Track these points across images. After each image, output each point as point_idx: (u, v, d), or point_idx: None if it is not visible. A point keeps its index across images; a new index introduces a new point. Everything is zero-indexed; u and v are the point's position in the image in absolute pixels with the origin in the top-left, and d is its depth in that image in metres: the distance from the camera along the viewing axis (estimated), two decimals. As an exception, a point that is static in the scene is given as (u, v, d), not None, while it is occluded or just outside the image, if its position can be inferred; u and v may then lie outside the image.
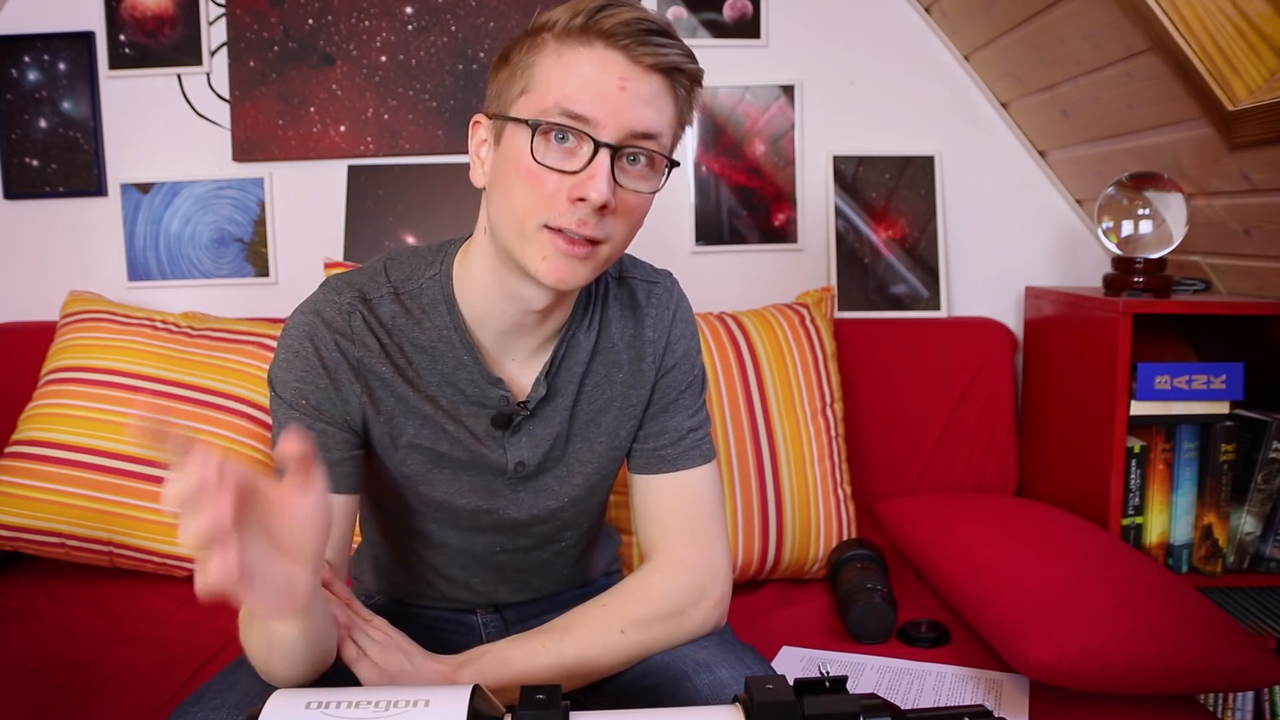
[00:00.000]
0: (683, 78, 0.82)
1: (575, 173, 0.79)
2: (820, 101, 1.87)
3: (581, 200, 0.79)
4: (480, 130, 0.87)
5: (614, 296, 0.99)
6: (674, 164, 0.85)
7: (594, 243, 0.81)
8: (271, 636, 0.73)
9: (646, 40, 0.78)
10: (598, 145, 0.78)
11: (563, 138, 0.79)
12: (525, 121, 0.79)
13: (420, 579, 1.04)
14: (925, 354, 1.80)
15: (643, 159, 0.81)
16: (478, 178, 0.88)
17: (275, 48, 1.80)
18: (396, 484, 0.95)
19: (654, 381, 0.99)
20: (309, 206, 1.84)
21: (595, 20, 0.78)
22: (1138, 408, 1.46)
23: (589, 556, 1.11)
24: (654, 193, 0.84)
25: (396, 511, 0.99)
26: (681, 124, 0.86)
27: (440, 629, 1.06)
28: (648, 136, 0.80)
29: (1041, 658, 1.09)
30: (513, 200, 0.81)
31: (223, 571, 0.55)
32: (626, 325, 0.98)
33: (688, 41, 0.85)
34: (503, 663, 0.86)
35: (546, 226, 0.80)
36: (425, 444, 0.92)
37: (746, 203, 1.88)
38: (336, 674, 0.88)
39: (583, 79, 0.78)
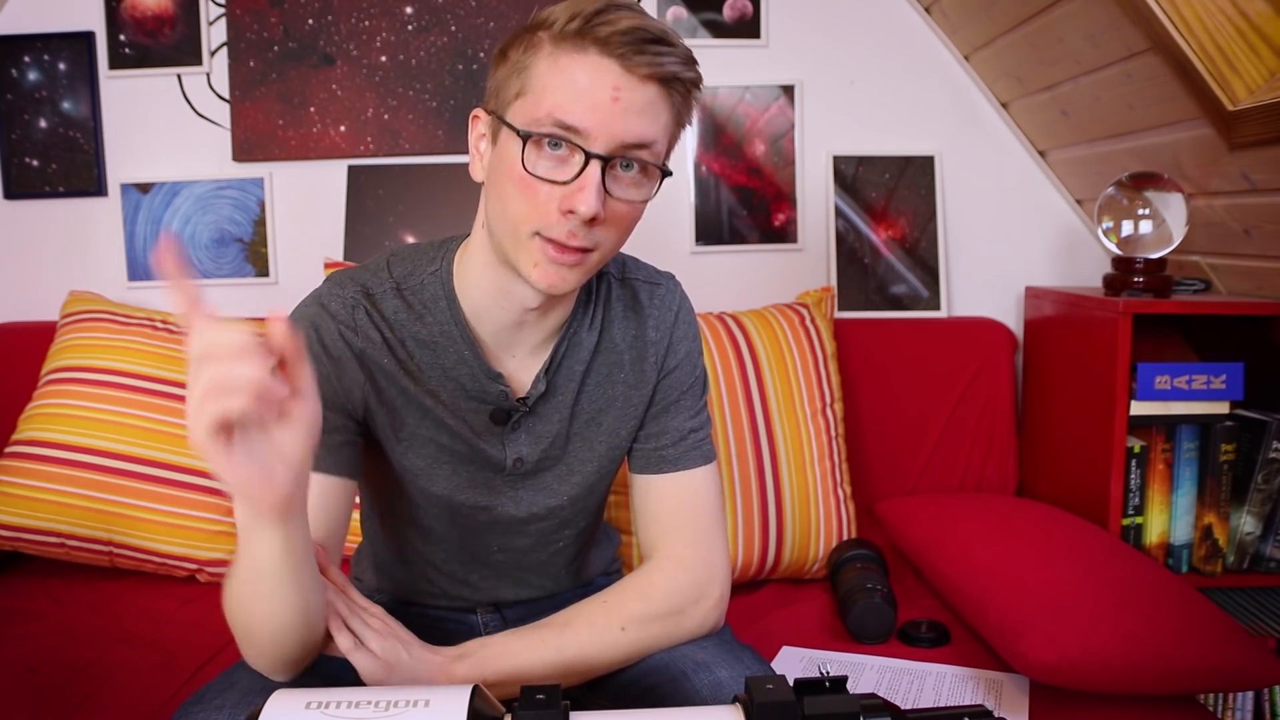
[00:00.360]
0: (680, 84, 0.82)
1: (566, 183, 0.79)
2: (820, 101, 1.87)
3: (571, 212, 0.79)
4: (479, 125, 0.87)
5: (617, 297, 0.99)
6: (667, 174, 0.84)
7: (585, 250, 0.82)
8: (254, 566, 0.70)
9: (643, 49, 0.77)
10: (588, 156, 0.78)
11: (555, 145, 0.79)
12: (517, 131, 0.79)
13: (421, 576, 1.04)
14: (925, 354, 1.80)
15: (635, 167, 0.81)
16: (477, 172, 0.88)
17: (275, 48, 1.80)
18: (398, 477, 0.95)
19: (656, 382, 0.99)
20: (309, 206, 1.84)
21: (591, 27, 0.77)
22: (1138, 408, 1.46)
23: (587, 555, 1.11)
24: (645, 201, 0.84)
25: (397, 507, 0.99)
26: (679, 125, 0.85)
27: (440, 629, 1.06)
28: (640, 146, 0.80)
29: (1041, 658, 1.09)
30: (507, 205, 0.82)
31: (216, 411, 0.58)
32: (629, 326, 0.99)
33: (687, 42, 0.85)
34: (501, 655, 0.85)
35: (539, 234, 0.81)
36: (426, 435, 0.93)
37: (746, 203, 1.88)
38: (335, 673, 0.89)
39: (576, 87, 0.78)
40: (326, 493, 0.86)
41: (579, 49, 0.78)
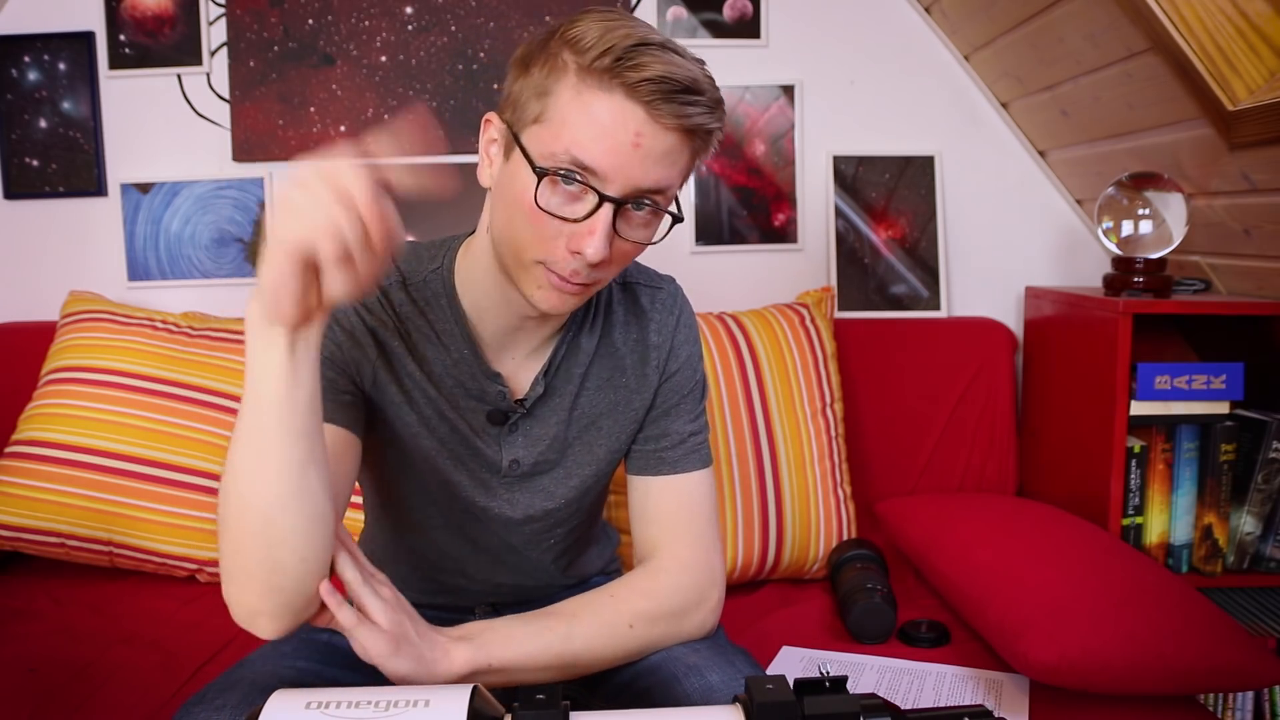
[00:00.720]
0: (703, 132, 0.81)
1: (576, 221, 0.78)
2: (820, 101, 1.87)
3: (578, 253, 0.79)
4: (491, 129, 0.86)
5: (618, 301, 0.99)
6: (678, 219, 0.84)
7: (586, 285, 0.83)
8: (257, 386, 0.68)
9: (671, 98, 0.76)
10: (602, 199, 0.78)
11: (569, 180, 0.78)
12: (534, 167, 0.78)
13: (418, 572, 1.05)
14: (925, 354, 1.80)
15: (647, 207, 0.81)
16: (484, 177, 0.87)
17: (275, 48, 1.80)
18: (401, 464, 0.96)
19: (657, 386, 0.99)
20: (309, 206, 1.84)
21: (621, 68, 0.75)
22: (1138, 408, 1.46)
23: (583, 553, 1.11)
24: (650, 243, 0.84)
25: (396, 499, 1.00)
26: (695, 159, 0.84)
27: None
28: (656, 191, 0.80)
29: (1041, 658, 1.09)
30: (514, 229, 0.82)
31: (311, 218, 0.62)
32: (630, 329, 0.99)
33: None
34: (505, 641, 0.84)
35: (543, 264, 0.81)
36: (431, 421, 0.94)
37: (746, 203, 1.88)
38: (336, 677, 0.88)
39: (598, 127, 0.76)
40: (335, 442, 0.85)
41: (604, 88, 0.76)
